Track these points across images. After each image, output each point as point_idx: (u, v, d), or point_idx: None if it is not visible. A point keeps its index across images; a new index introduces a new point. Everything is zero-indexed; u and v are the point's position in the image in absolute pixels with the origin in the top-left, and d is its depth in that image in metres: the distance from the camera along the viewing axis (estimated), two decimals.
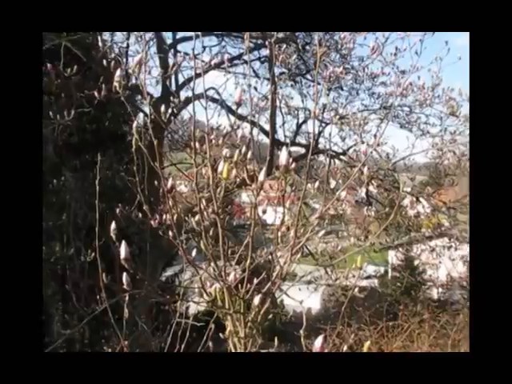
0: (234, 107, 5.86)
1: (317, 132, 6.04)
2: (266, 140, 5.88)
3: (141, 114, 6.21)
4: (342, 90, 6.23)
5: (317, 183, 1.84)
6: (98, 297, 2.35)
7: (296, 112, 6.44)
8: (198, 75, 1.58)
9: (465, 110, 4.86)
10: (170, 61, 5.90)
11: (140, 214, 2.87)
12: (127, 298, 1.27)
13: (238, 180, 1.88)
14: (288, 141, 6.32)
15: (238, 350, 1.09)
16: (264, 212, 1.52)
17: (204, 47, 5.50)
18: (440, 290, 9.04)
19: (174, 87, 5.99)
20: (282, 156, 1.20)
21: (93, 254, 3.24)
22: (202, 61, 3.85)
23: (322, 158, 6.74)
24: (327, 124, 6.18)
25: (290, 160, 2.10)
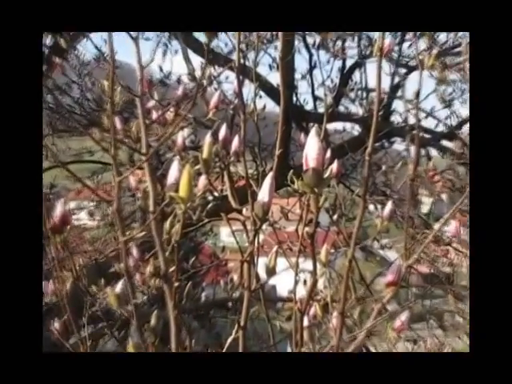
0: (201, 38, 5.86)
1: (387, 89, 6.01)
2: (274, 108, 5.86)
3: None
4: None
5: (389, 205, 1.89)
6: None
7: (338, 45, 6.32)
8: None
9: None
10: None
11: None
12: None
13: (211, 201, 1.84)
14: (322, 109, 6.23)
15: None
16: (271, 271, 1.52)
17: None
18: None
19: None
20: (311, 146, 1.24)
21: None
22: None
23: (399, 145, 6.63)
24: (411, 69, 6.21)
25: (328, 154, 2.09)
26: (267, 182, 1.33)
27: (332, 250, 1.74)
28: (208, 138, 1.62)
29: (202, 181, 1.77)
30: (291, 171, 1.37)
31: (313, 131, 1.26)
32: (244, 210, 1.99)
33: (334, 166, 2.01)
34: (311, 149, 1.24)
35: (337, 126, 6.84)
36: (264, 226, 1.48)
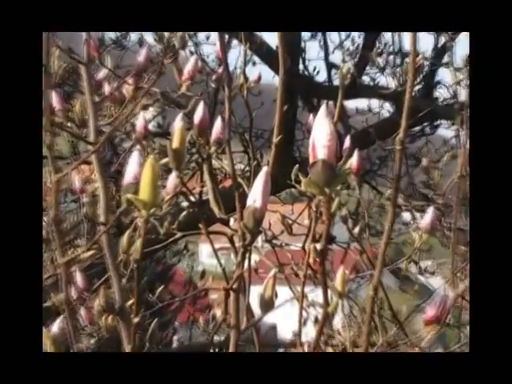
0: None
1: (429, 53, 5.95)
2: (272, 79, 5.80)
3: None
4: None
5: (430, 213, 1.92)
6: None
7: None
8: None
9: None
10: None
11: None
12: None
13: (185, 208, 1.79)
14: (337, 81, 6.25)
15: None
16: (268, 304, 1.44)
17: None
18: None
19: None
20: (319, 129, 1.22)
21: None
22: None
23: (446, 131, 6.57)
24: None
25: (347, 142, 2.06)
26: (260, 179, 1.29)
27: (352, 276, 1.64)
28: (180, 121, 1.58)
29: (172, 180, 1.71)
30: (296, 166, 1.40)
31: (322, 109, 1.24)
32: (231, 221, 1.93)
33: (355, 159, 2.06)
34: (320, 134, 1.21)
35: (359, 103, 6.88)
36: (259, 243, 1.39)
